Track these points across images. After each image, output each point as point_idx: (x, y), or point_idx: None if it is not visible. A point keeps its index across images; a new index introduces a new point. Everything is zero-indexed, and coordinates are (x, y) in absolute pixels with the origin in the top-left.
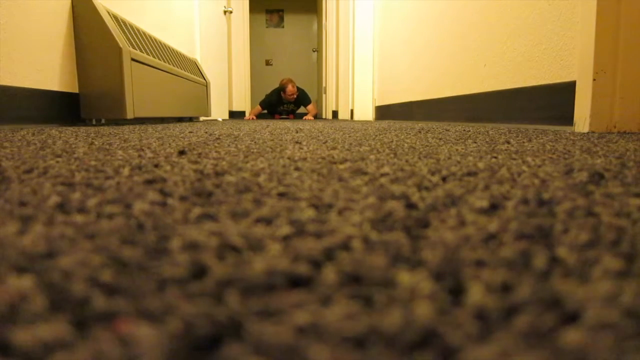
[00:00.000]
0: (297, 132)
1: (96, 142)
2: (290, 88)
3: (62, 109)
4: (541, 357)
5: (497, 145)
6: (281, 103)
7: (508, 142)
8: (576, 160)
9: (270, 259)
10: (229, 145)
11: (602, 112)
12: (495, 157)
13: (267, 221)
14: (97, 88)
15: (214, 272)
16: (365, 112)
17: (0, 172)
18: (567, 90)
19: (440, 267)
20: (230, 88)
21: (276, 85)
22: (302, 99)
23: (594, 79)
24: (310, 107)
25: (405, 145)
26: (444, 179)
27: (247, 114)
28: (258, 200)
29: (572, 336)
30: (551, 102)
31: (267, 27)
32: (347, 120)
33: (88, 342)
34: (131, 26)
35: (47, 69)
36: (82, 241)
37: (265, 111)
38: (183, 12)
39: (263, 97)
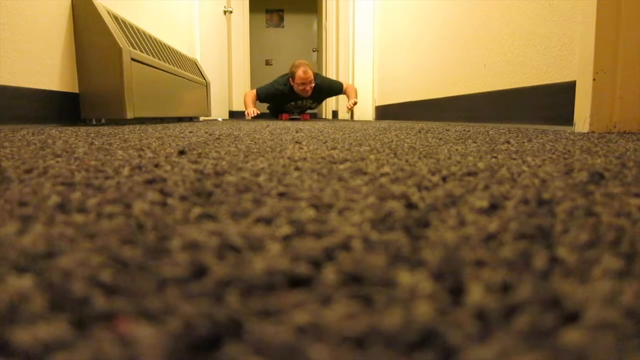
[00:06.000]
0: (297, 132)
1: (96, 142)
2: (300, 74)
3: (62, 109)
4: (541, 357)
5: (497, 145)
6: (292, 98)
7: (508, 142)
8: (576, 160)
9: (270, 259)
10: (229, 145)
11: (602, 112)
12: (495, 157)
13: (267, 221)
14: (97, 88)
15: (214, 272)
16: (365, 112)
17: (0, 172)
18: (567, 90)
19: (440, 267)
20: (230, 88)
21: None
22: (325, 89)
23: (594, 79)
24: (346, 87)
25: (405, 145)
26: (444, 179)
27: (247, 113)
28: (258, 200)
29: (572, 336)
30: (551, 102)
31: (267, 27)
32: (347, 120)
33: (88, 342)
34: (131, 26)
35: (47, 69)
36: (82, 241)
37: (267, 106)
38: (183, 12)
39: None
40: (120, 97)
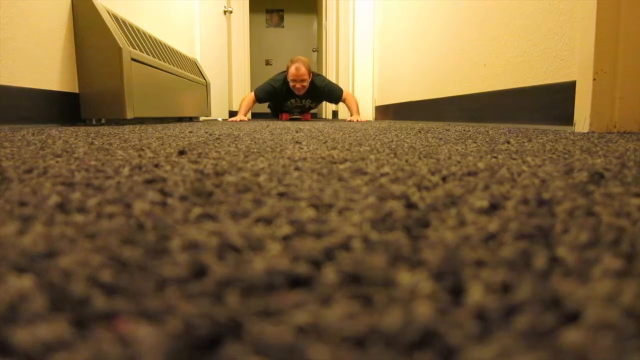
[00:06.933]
0: (297, 132)
1: (96, 142)
2: (293, 70)
3: (62, 109)
4: (541, 357)
5: (497, 145)
6: (289, 95)
7: (508, 142)
8: (576, 160)
9: (270, 259)
10: (229, 145)
11: (602, 112)
12: (495, 157)
13: (267, 221)
14: (97, 88)
15: (214, 272)
16: (365, 112)
17: (0, 172)
18: (567, 90)
19: (440, 267)
20: (230, 88)
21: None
22: (324, 91)
23: (594, 79)
24: (345, 95)
25: (405, 145)
26: (444, 179)
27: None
28: (258, 200)
29: (572, 336)
30: (551, 102)
31: (267, 27)
32: (347, 120)
33: (88, 342)
34: (131, 26)
35: (47, 69)
36: (82, 241)
37: (268, 105)
38: (183, 12)
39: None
40: (120, 97)
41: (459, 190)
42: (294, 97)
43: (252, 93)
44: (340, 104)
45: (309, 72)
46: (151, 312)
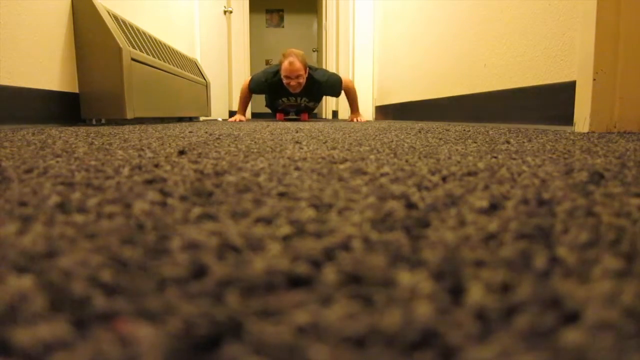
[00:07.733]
0: (297, 132)
1: (96, 142)
2: (286, 65)
3: (62, 109)
4: (541, 357)
5: (497, 145)
6: (283, 92)
7: (508, 142)
8: (576, 160)
9: (270, 259)
10: (229, 145)
11: (602, 112)
12: (495, 157)
13: (267, 221)
14: (97, 88)
15: (214, 272)
16: (365, 112)
17: (0, 172)
18: (567, 90)
19: (440, 267)
20: (230, 88)
21: None
22: (326, 87)
23: (594, 79)
24: (345, 85)
25: (405, 145)
26: (444, 179)
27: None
28: (258, 200)
29: (572, 336)
30: (551, 102)
31: (267, 27)
32: (347, 120)
33: (88, 342)
34: (131, 26)
35: (47, 69)
36: (82, 241)
37: (266, 104)
38: (183, 12)
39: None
40: (120, 97)
41: (459, 190)
42: (288, 94)
43: (247, 86)
44: (341, 97)
45: (305, 66)
46: (151, 312)
